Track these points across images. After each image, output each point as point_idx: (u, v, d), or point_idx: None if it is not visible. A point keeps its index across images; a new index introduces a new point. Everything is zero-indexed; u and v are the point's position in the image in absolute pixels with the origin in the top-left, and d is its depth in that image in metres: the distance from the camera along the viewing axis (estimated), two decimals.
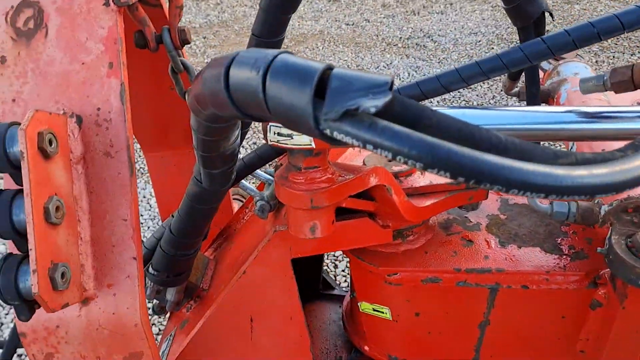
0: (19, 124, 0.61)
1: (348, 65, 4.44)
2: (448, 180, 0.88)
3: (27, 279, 0.62)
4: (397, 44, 4.74)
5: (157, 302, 0.97)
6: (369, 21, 5.22)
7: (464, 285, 0.86)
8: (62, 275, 0.63)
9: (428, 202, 0.86)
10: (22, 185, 0.60)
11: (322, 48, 4.76)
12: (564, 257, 0.87)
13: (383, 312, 0.92)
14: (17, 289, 0.63)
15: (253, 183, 1.67)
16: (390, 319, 0.91)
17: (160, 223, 1.33)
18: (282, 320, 0.88)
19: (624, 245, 0.76)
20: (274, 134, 0.66)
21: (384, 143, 0.36)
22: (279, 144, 0.66)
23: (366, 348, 0.99)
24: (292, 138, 0.66)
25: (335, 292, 1.18)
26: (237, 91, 0.42)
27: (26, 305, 0.65)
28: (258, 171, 0.93)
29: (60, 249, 0.64)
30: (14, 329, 1.07)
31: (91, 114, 0.70)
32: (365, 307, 0.94)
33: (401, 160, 0.36)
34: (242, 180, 0.94)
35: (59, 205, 0.63)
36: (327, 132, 0.38)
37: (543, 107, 0.78)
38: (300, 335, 0.90)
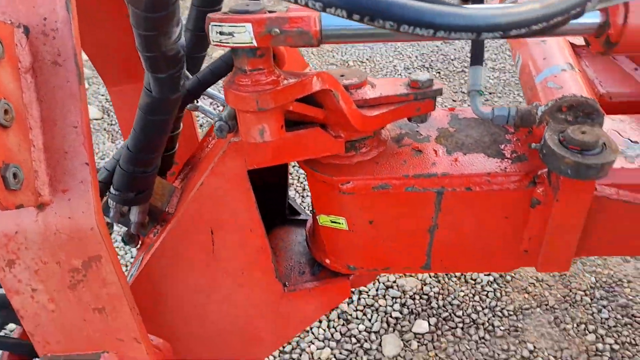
0: None
1: None
2: (397, 92, 0.92)
3: None
4: None
5: (126, 230, 1.01)
6: None
7: (412, 190, 0.90)
8: (14, 175, 0.67)
9: (377, 112, 0.89)
10: None
11: None
12: (506, 160, 0.92)
13: (340, 223, 0.96)
14: None
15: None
16: (347, 229, 0.96)
17: None
18: (242, 232, 0.92)
19: (557, 140, 0.80)
20: (216, 33, 0.69)
21: None
22: (222, 44, 0.69)
23: (327, 261, 1.04)
24: (233, 36, 0.69)
25: (302, 217, 1.23)
26: None
27: None
28: (217, 94, 0.95)
29: (11, 151, 0.67)
30: None
31: (38, 24, 0.72)
32: (323, 220, 0.98)
33: (304, 2, 0.39)
34: (203, 104, 0.97)
35: (7, 108, 0.66)
36: None
37: None
38: (261, 247, 0.95)
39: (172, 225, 0.88)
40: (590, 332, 2.03)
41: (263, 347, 1.04)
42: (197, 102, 0.95)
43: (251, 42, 0.69)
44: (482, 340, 2.04)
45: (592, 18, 0.75)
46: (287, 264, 1.08)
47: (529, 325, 2.08)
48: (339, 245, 1.00)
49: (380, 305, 2.19)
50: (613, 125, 0.98)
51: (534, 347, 2.00)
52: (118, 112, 1.27)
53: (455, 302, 2.20)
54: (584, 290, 2.20)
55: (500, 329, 2.07)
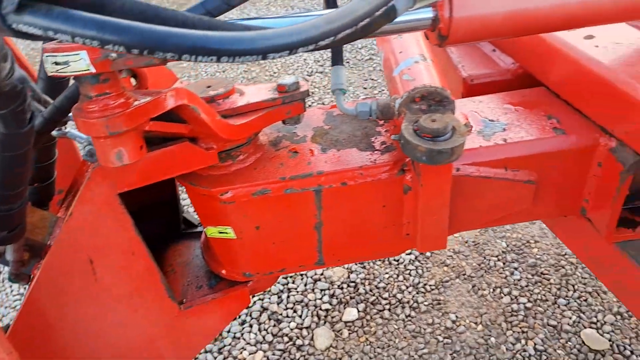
0: None
1: None
2: (264, 98, 0.94)
3: None
4: None
5: (9, 269, 0.98)
6: None
7: (291, 191, 0.93)
8: None
9: (246, 119, 0.91)
10: None
11: None
12: (376, 152, 0.96)
13: (227, 232, 0.98)
14: None
15: None
16: (235, 237, 0.98)
17: None
18: (124, 257, 0.92)
19: (411, 130, 0.85)
20: (51, 63, 0.68)
21: (60, 27, 0.40)
22: (59, 74, 0.68)
23: (223, 271, 1.05)
24: (69, 65, 0.68)
25: (199, 229, 1.23)
26: None
27: None
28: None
29: None
30: None
31: None
32: (211, 232, 1.00)
33: (82, 41, 0.40)
34: (72, 130, 0.95)
35: None
36: (15, 26, 0.41)
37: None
38: (146, 269, 0.95)
39: (47, 259, 0.87)
40: (505, 295, 2.16)
41: None
42: (66, 127, 0.93)
43: (88, 69, 0.68)
44: (409, 318, 2.12)
45: (426, 13, 0.80)
46: (185, 280, 1.08)
47: (450, 296, 2.19)
48: (231, 255, 1.02)
49: (309, 300, 2.23)
50: (472, 106, 1.05)
51: (456, 316, 2.10)
52: None
53: (382, 284, 2.27)
54: (497, 256, 2.34)
55: (424, 305, 2.16)
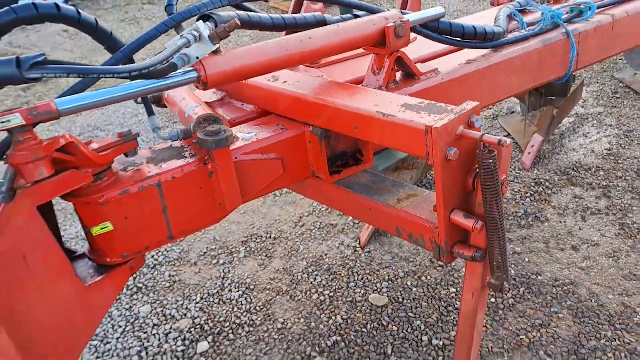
0: None
1: None
2: (112, 141, 1.58)
3: None
4: None
5: None
6: None
7: (143, 188, 1.55)
8: None
9: (105, 152, 1.53)
10: None
11: None
12: (187, 158, 1.65)
13: (107, 226, 1.54)
14: None
15: None
16: (112, 228, 1.54)
17: None
18: (44, 251, 1.42)
19: (203, 134, 1.57)
20: (1, 123, 1.26)
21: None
22: (7, 126, 1.26)
23: (108, 259, 1.58)
24: (10, 122, 1.26)
25: (80, 251, 1.72)
26: None
27: None
28: None
29: None
30: None
31: None
32: (95, 230, 1.54)
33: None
34: None
35: None
36: (31, 76, 1.05)
37: None
38: (60, 258, 1.45)
39: None
40: (314, 294, 2.89)
41: (81, 333, 1.50)
42: None
43: (22, 122, 1.27)
44: (249, 333, 2.70)
45: (192, 74, 1.55)
46: (81, 277, 1.56)
47: (276, 309, 2.84)
48: (111, 243, 1.55)
49: (166, 349, 2.65)
50: (237, 129, 1.83)
51: (283, 319, 2.75)
52: None
53: (221, 319, 2.81)
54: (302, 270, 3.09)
55: (259, 320, 2.77)
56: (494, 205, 1.44)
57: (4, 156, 1.47)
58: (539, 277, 2.80)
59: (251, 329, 2.72)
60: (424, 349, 2.46)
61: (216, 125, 1.61)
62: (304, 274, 3.07)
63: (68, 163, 1.44)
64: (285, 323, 2.72)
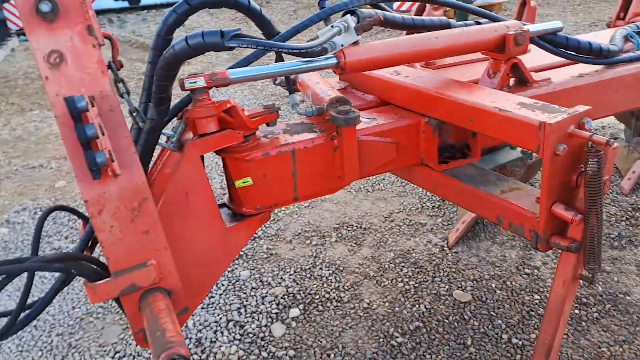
0: None
1: None
2: (260, 111, 1.87)
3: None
4: None
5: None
6: None
7: (280, 152, 1.83)
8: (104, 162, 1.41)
9: (255, 119, 1.82)
10: None
11: None
12: (317, 132, 1.91)
13: (248, 181, 1.83)
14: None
15: None
16: (252, 183, 1.83)
17: None
18: (201, 191, 1.72)
19: (335, 112, 1.82)
20: (188, 84, 1.57)
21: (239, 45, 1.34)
22: (193, 87, 1.57)
23: (244, 209, 1.87)
24: (196, 83, 1.57)
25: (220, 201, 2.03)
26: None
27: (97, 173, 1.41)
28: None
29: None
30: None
31: (99, 94, 1.50)
32: (238, 183, 1.83)
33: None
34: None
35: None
36: (230, 44, 1.34)
37: None
38: (211, 199, 1.75)
39: (167, 189, 1.63)
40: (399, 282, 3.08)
41: (218, 267, 1.80)
42: None
43: (204, 84, 1.58)
44: (337, 307, 2.93)
45: (332, 60, 1.81)
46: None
47: (363, 290, 3.05)
48: (249, 196, 1.83)
49: (262, 310, 2.95)
50: (363, 117, 2.07)
51: (369, 301, 2.96)
52: None
53: (312, 292, 3.07)
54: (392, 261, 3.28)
55: (347, 297, 2.99)
56: (595, 202, 1.57)
57: (179, 114, 1.80)
58: (627, 297, 2.81)
59: (339, 304, 2.95)
60: (504, 346, 2.57)
61: (347, 106, 1.86)
62: (391, 263, 3.26)
63: (227, 124, 1.74)
64: (371, 304, 2.93)
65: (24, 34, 11.43)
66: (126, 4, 13.42)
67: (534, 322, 2.70)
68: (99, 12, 13.09)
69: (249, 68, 1.71)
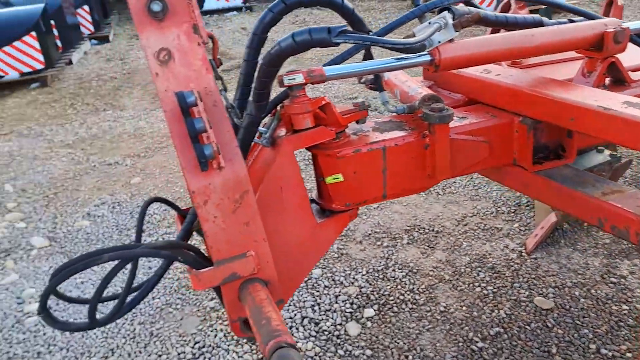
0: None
1: None
2: (350, 108, 1.87)
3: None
4: None
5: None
6: None
7: (370, 150, 1.83)
8: (212, 154, 1.45)
9: (346, 116, 1.83)
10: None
11: None
12: (408, 130, 1.90)
13: (338, 178, 1.83)
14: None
15: None
16: (343, 180, 1.83)
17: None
18: (294, 186, 1.75)
19: (428, 110, 1.80)
20: (287, 80, 1.60)
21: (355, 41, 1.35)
22: (291, 83, 1.60)
23: (333, 205, 1.88)
24: (294, 79, 1.60)
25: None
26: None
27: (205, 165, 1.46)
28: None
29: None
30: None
31: (203, 89, 1.55)
32: (329, 180, 1.85)
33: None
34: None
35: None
36: (337, 40, 1.35)
37: None
38: (303, 195, 1.77)
39: (263, 183, 1.67)
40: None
41: (308, 261, 1.81)
42: None
43: (302, 81, 1.60)
44: (412, 310, 2.89)
45: (425, 57, 1.79)
46: None
47: (437, 293, 3.00)
48: (339, 193, 1.84)
49: (335, 308, 2.95)
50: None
51: (446, 304, 2.91)
52: None
53: (386, 292, 3.05)
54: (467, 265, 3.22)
55: (422, 300, 2.96)
56: None
57: (273, 110, 1.83)
58: None
59: (414, 306, 2.91)
60: (592, 356, 2.46)
61: (440, 104, 1.84)
62: (467, 268, 3.19)
63: (321, 120, 1.75)
64: (448, 308, 2.88)
65: (95, 38, 12.03)
66: None
67: (623, 333, 2.57)
68: None
69: (343, 65, 1.72)
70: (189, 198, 4.31)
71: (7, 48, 8.46)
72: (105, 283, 1.47)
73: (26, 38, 8.54)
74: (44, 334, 2.99)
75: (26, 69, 8.62)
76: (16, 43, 8.50)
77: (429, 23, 1.74)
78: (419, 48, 1.68)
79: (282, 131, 1.84)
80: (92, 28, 12.19)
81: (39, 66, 8.68)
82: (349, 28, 1.48)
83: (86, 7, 12.04)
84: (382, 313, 2.88)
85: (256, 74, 1.60)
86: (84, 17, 11.96)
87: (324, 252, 1.89)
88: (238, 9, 13.55)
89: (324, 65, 1.75)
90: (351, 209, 1.90)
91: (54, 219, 4.28)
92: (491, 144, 1.98)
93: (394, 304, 2.94)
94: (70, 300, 1.72)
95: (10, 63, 8.52)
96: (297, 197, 1.77)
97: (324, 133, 1.76)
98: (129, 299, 1.62)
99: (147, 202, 1.90)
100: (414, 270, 3.20)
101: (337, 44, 1.50)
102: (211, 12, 13.54)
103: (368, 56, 1.89)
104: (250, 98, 1.67)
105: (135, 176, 4.96)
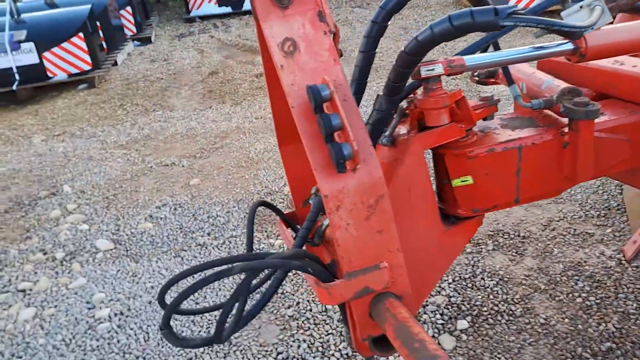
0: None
1: (272, 144, 5.26)
2: (479, 103, 1.68)
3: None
4: None
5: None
6: None
7: (506, 149, 1.64)
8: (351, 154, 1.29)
9: (478, 111, 1.64)
10: None
11: (246, 137, 5.57)
12: (542, 127, 1.70)
13: (467, 180, 1.65)
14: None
15: None
16: (472, 182, 1.65)
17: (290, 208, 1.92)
18: (422, 189, 1.57)
19: (570, 105, 1.61)
20: (425, 71, 1.43)
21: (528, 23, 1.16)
22: (430, 74, 1.42)
23: (459, 211, 1.69)
24: (433, 70, 1.42)
25: None
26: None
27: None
28: None
29: None
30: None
31: (333, 82, 1.38)
32: (456, 182, 1.66)
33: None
34: None
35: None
36: (505, 23, 1.17)
37: None
38: (432, 199, 1.59)
39: (392, 182, 1.50)
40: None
41: (435, 271, 1.63)
42: None
43: (442, 72, 1.43)
44: (509, 322, 2.69)
45: (567, 46, 1.59)
46: None
47: (537, 304, 2.79)
48: (467, 197, 1.66)
49: (425, 320, 2.77)
50: None
51: (545, 317, 2.69)
52: (285, 165, 1.85)
53: (478, 303, 2.84)
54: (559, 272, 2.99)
55: (519, 311, 2.74)
56: None
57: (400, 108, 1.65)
58: None
59: (511, 318, 2.70)
60: None
61: (583, 97, 1.63)
62: (562, 276, 2.96)
63: (454, 116, 1.57)
64: (549, 320, 2.66)
65: (137, 40, 12.10)
66: (229, 10, 13.82)
67: None
68: (204, 18, 13.60)
69: (484, 55, 1.54)
70: (251, 200, 4.19)
71: (55, 49, 8.53)
72: (240, 297, 1.34)
73: (74, 39, 8.60)
74: (118, 341, 2.89)
75: (74, 70, 8.67)
76: (64, 44, 8.56)
77: (580, 7, 1.54)
78: (580, 34, 1.48)
79: (401, 129, 1.67)
80: (134, 29, 12.27)
81: (86, 67, 8.73)
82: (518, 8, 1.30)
83: (129, 9, 12.12)
84: (477, 325, 2.68)
85: (395, 63, 1.42)
86: (127, 18, 12.05)
87: (451, 262, 1.71)
88: None
89: (458, 54, 1.57)
90: (479, 215, 1.71)
91: (117, 221, 4.20)
92: (633, 143, 1.76)
93: (489, 316, 2.73)
94: (193, 312, 1.58)
95: (59, 64, 8.59)
96: (426, 202, 1.59)
97: (456, 130, 1.58)
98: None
99: (254, 207, 1.76)
100: (505, 279, 2.99)
101: (503, 27, 1.31)
102: (251, 12, 13.48)
103: (496, 47, 1.71)
104: (382, 92, 1.50)
105: (194, 177, 4.86)
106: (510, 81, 1.77)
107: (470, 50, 1.62)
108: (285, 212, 1.90)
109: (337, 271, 1.51)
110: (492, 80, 2.17)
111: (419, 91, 1.60)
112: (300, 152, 1.91)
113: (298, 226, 1.91)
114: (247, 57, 9.52)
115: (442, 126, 1.55)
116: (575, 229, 3.36)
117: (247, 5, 13.82)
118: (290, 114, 1.81)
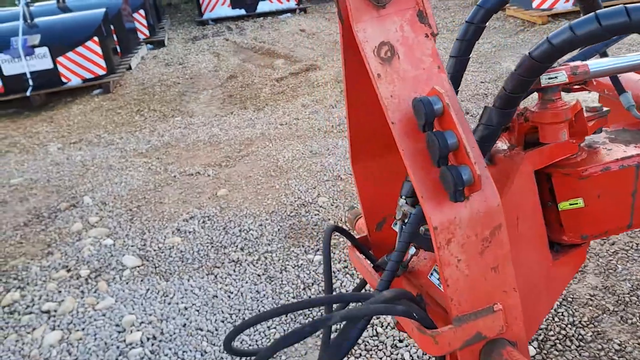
0: None
1: (301, 152, 5.06)
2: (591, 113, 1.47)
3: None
4: (331, 131, 5.52)
5: None
6: (298, 119, 6.00)
7: (622, 167, 1.42)
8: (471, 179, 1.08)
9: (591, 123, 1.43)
10: None
11: (272, 145, 5.36)
12: None
13: (577, 203, 1.44)
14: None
15: None
16: (583, 205, 1.43)
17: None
18: (532, 217, 1.36)
19: None
20: (545, 79, 1.21)
21: None
22: (549, 84, 1.21)
23: (565, 238, 1.48)
24: (556, 78, 1.21)
25: None
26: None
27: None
28: None
29: None
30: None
31: (443, 96, 1.18)
32: (563, 205, 1.45)
33: None
34: None
35: None
36: None
37: None
38: (541, 226, 1.38)
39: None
40: None
41: (542, 306, 1.43)
42: None
43: (565, 80, 1.22)
44: (581, 348, 2.46)
45: None
46: None
47: (607, 328, 2.56)
48: (575, 221, 1.45)
49: None
50: None
51: (619, 342, 2.46)
52: (358, 184, 1.65)
53: (543, 325, 2.62)
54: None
55: (589, 336, 2.52)
56: None
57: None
58: None
59: (582, 344, 2.48)
60: None
61: None
62: (632, 296, 2.74)
63: (570, 130, 1.36)
64: (623, 345, 2.43)
65: (150, 43, 11.94)
66: (243, 12, 13.65)
67: None
68: (217, 20, 13.43)
69: (608, 60, 1.34)
70: (284, 212, 3.98)
71: (70, 54, 8.37)
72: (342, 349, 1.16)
73: (89, 43, 8.44)
74: None
75: (89, 75, 8.52)
76: (79, 49, 8.41)
77: None
78: None
79: (500, 144, 1.46)
80: (147, 32, 12.11)
81: (101, 72, 8.57)
82: None
83: (142, 12, 11.96)
84: (545, 351, 2.46)
85: (516, 70, 1.20)
86: (139, 21, 11.89)
87: (559, 296, 1.50)
88: (292, 11, 13.26)
89: (568, 60, 1.36)
90: (587, 242, 1.49)
91: (142, 235, 4.00)
92: None
93: (557, 341, 2.51)
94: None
95: (73, 69, 8.44)
96: (536, 229, 1.39)
97: (569, 147, 1.38)
98: None
99: (328, 233, 1.57)
100: (569, 299, 2.76)
101: None
102: (265, 15, 13.30)
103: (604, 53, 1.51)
104: (492, 104, 1.29)
105: (221, 187, 4.66)
106: (620, 89, 1.55)
107: (584, 55, 1.41)
108: (357, 237, 1.70)
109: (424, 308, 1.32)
110: (579, 87, 1.95)
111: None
112: (377, 170, 1.71)
113: (370, 252, 1.71)
114: (265, 61, 9.33)
115: (556, 142, 1.34)
116: (637, 244, 3.13)
117: (260, 8, 13.67)
118: (372, 128, 1.61)
